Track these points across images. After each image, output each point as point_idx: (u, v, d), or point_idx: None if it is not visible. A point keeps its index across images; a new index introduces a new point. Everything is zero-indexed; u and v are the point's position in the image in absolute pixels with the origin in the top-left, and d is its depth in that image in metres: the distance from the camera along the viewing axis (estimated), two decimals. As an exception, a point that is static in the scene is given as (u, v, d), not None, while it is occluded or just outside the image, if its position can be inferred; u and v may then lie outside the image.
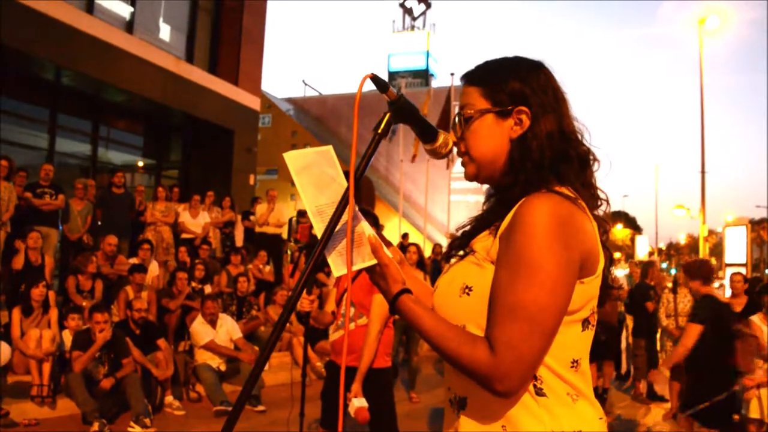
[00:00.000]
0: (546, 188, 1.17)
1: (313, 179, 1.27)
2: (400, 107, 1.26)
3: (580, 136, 1.28)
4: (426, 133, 1.32)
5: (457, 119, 1.32)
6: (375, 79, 1.23)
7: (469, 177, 1.34)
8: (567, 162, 1.23)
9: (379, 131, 1.25)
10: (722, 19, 18.00)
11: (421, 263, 7.14)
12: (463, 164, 1.34)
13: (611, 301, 7.29)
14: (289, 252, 11.10)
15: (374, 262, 1.25)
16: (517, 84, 1.25)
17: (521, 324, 1.08)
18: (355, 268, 1.25)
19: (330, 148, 1.28)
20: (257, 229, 10.46)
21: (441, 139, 1.32)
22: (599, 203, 1.28)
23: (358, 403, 3.14)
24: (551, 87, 1.28)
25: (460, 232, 1.34)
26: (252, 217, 10.60)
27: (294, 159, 1.27)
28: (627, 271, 11.23)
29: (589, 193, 1.25)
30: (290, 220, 10.97)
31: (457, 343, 1.14)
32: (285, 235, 11.22)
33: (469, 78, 1.32)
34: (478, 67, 1.33)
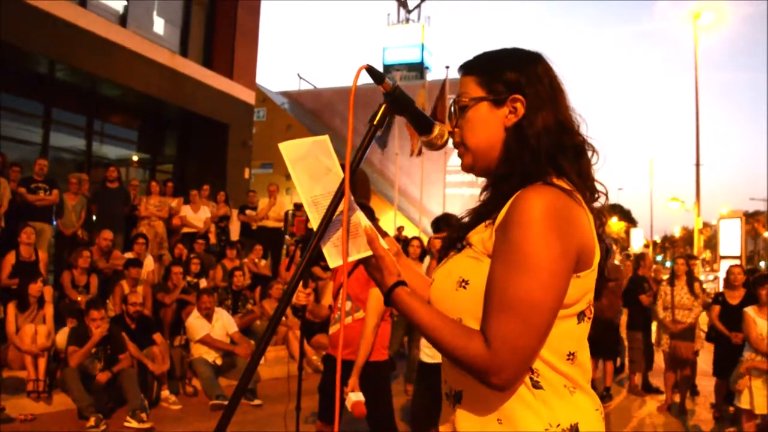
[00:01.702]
0: (542, 181, 1.16)
1: (309, 169, 1.25)
2: (396, 98, 1.25)
3: (576, 127, 1.27)
4: (422, 125, 1.32)
5: (452, 108, 1.31)
6: (370, 70, 1.21)
7: (465, 168, 1.33)
8: (562, 152, 1.22)
9: (375, 122, 1.23)
10: (717, 15, 18.04)
11: (423, 256, 7.15)
12: (459, 155, 1.33)
13: (610, 296, 7.28)
14: (285, 246, 11.09)
15: (369, 253, 1.24)
16: (513, 74, 1.25)
17: (516, 317, 1.08)
18: (351, 259, 1.24)
19: (326, 137, 1.26)
20: (257, 223, 10.44)
21: (437, 130, 1.32)
22: (597, 196, 1.27)
23: (355, 397, 3.12)
24: (548, 77, 1.27)
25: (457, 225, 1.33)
26: (248, 212, 10.56)
27: (289, 149, 1.25)
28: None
29: (586, 185, 1.24)
30: (287, 213, 10.94)
31: (452, 336, 1.13)
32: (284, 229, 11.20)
33: (466, 68, 1.32)
34: (476, 57, 1.33)
